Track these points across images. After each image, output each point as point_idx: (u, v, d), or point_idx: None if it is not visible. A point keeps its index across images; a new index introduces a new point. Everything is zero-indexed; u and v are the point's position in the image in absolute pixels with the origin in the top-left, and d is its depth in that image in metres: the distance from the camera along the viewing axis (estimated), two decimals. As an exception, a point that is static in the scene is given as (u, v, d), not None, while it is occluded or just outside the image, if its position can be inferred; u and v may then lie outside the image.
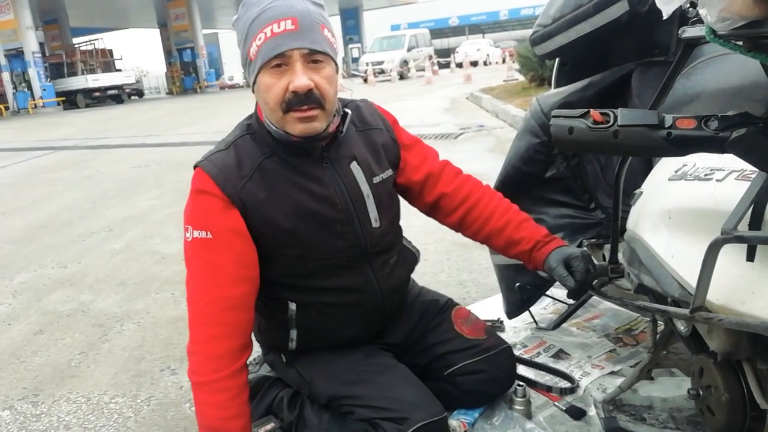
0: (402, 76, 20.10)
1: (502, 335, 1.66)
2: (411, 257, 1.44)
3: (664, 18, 0.89)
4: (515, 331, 1.82)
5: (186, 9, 28.15)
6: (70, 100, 23.61)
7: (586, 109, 0.90)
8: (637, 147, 0.86)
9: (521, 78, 9.81)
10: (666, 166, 1.09)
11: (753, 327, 0.82)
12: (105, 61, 27.13)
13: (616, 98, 1.46)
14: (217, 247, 1.15)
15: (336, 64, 1.16)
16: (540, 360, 1.63)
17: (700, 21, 0.97)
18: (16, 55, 23.31)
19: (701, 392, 1.10)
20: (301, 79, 1.08)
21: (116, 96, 24.72)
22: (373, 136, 1.30)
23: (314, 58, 1.10)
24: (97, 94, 24.06)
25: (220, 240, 1.15)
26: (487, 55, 26.55)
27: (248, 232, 1.17)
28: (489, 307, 1.98)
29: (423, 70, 17.93)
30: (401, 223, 1.38)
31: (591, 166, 1.57)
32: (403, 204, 1.39)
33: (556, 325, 1.80)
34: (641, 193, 1.16)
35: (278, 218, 1.18)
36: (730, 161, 0.88)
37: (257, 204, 1.16)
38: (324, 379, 1.29)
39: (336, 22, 35.14)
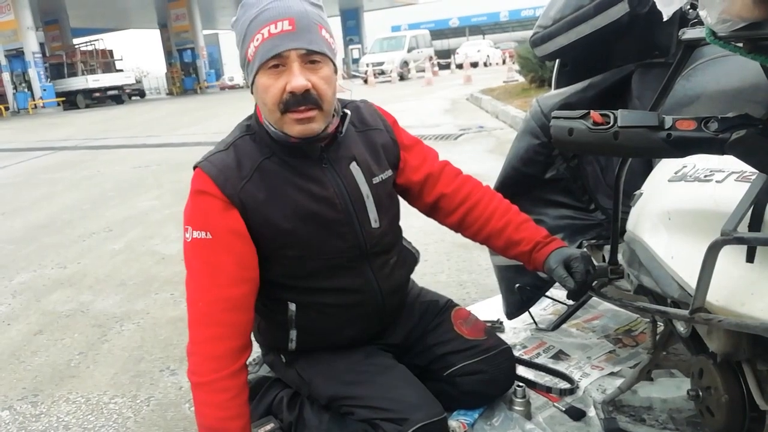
0: (402, 77, 20.11)
1: (502, 336, 1.66)
2: (411, 258, 1.44)
3: (665, 19, 0.89)
4: (515, 331, 1.82)
5: (186, 9, 28.16)
6: (71, 101, 23.61)
7: (586, 111, 0.90)
8: (637, 148, 0.86)
9: (521, 79, 9.81)
10: (666, 167, 1.09)
11: (753, 328, 0.82)
12: (105, 61, 27.13)
13: (616, 99, 1.46)
14: (216, 248, 1.15)
15: (334, 64, 1.16)
16: (540, 361, 1.63)
17: (701, 23, 0.97)
18: (16, 56, 23.33)
19: (701, 393, 1.10)
20: (298, 79, 1.08)
21: (116, 96, 24.73)
22: (373, 137, 1.30)
23: (312, 58, 1.10)
24: (98, 94, 24.07)
25: (220, 240, 1.15)
26: (488, 56, 26.57)
27: (248, 233, 1.17)
28: (489, 307, 1.98)
29: (423, 71, 17.95)
30: (401, 223, 1.38)
31: (591, 167, 1.57)
32: (403, 204, 1.40)
33: (556, 325, 1.80)
34: (641, 194, 1.16)
35: (278, 219, 1.18)
36: (730, 163, 0.88)
37: (257, 205, 1.17)
38: (324, 380, 1.29)
39: (336, 23, 35.19)
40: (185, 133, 9.39)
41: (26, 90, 23.12)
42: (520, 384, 1.40)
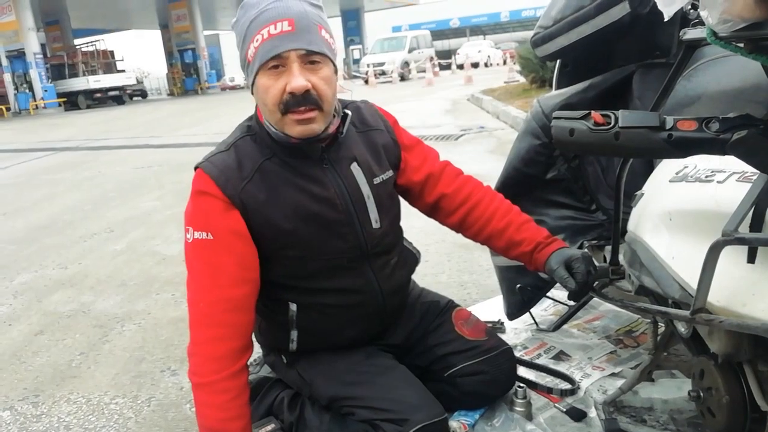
0: (403, 78, 20.11)
1: (503, 336, 1.66)
2: (411, 258, 1.44)
3: (666, 20, 0.89)
4: (516, 332, 1.82)
5: (187, 10, 28.19)
6: (72, 101, 23.65)
7: (587, 111, 0.90)
8: (638, 149, 0.86)
9: (522, 79, 9.81)
10: (667, 167, 1.09)
11: (754, 329, 0.82)
12: (106, 62, 27.17)
13: (617, 100, 1.46)
14: (217, 249, 1.15)
15: (334, 65, 1.16)
16: (540, 361, 1.63)
17: (702, 23, 0.97)
18: (17, 56, 23.38)
19: (702, 394, 1.10)
20: (297, 80, 1.08)
21: (117, 97, 24.76)
22: (374, 137, 1.30)
23: (311, 59, 1.10)
24: (99, 95, 24.11)
25: (221, 241, 1.15)
26: (488, 56, 26.56)
27: (249, 234, 1.17)
28: (490, 308, 1.98)
29: (424, 71, 17.95)
30: (402, 224, 1.38)
31: (592, 168, 1.57)
32: (404, 205, 1.40)
33: (557, 326, 1.80)
34: (642, 194, 1.16)
35: (279, 219, 1.18)
36: (731, 163, 0.88)
37: (258, 205, 1.17)
38: (324, 380, 1.29)
39: (337, 24, 35.22)
40: (186, 133, 9.40)
41: (27, 91, 23.16)
42: (521, 385, 1.40)
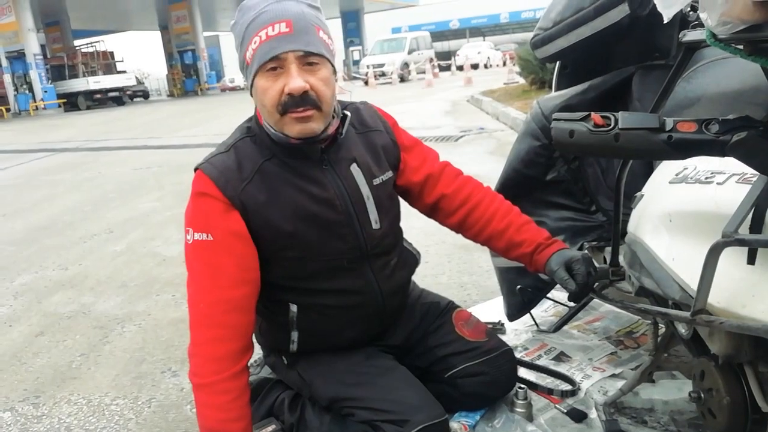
0: (403, 79, 20.12)
1: (503, 338, 1.66)
2: (411, 259, 1.44)
3: (665, 22, 0.89)
4: (516, 333, 1.82)
5: (187, 11, 28.20)
6: (71, 102, 23.66)
7: (587, 113, 0.90)
8: (638, 150, 0.86)
9: (522, 81, 9.82)
10: (667, 169, 1.09)
11: (754, 330, 0.82)
12: (106, 63, 27.20)
13: (616, 101, 1.46)
14: (217, 250, 1.15)
15: (333, 65, 1.16)
16: (541, 362, 1.63)
17: (701, 25, 0.97)
18: (17, 57, 23.38)
19: (702, 395, 1.10)
20: (295, 81, 1.08)
21: (117, 98, 24.77)
22: (373, 138, 1.30)
23: (309, 60, 1.10)
24: (98, 96, 24.12)
25: (221, 242, 1.15)
26: (488, 57, 26.56)
27: (249, 235, 1.17)
28: (490, 309, 1.98)
29: (424, 72, 17.95)
30: (401, 224, 1.39)
31: (592, 169, 1.57)
32: (404, 206, 1.40)
33: (557, 327, 1.80)
34: (642, 196, 1.17)
35: (278, 220, 1.18)
36: (731, 164, 0.88)
37: (257, 206, 1.17)
38: (325, 381, 1.29)
39: (337, 25, 35.25)
40: (186, 134, 9.40)
41: (27, 91, 23.16)
42: (522, 386, 1.41)
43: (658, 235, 1.04)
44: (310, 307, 1.26)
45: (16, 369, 2.01)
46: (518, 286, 1.63)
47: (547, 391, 1.47)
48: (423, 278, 1.61)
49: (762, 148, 0.76)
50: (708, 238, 0.84)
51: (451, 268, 2.53)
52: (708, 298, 0.87)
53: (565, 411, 1.40)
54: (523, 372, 1.55)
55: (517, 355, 1.62)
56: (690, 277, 0.93)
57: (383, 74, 20.20)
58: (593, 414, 1.39)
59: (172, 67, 30.79)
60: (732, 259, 0.85)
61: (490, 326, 1.74)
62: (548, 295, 1.73)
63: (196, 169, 1.20)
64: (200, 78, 29.57)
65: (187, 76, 29.96)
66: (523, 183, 1.57)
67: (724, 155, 0.79)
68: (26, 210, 4.76)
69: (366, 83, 18.40)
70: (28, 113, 22.33)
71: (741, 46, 0.78)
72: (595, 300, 1.69)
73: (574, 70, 1.63)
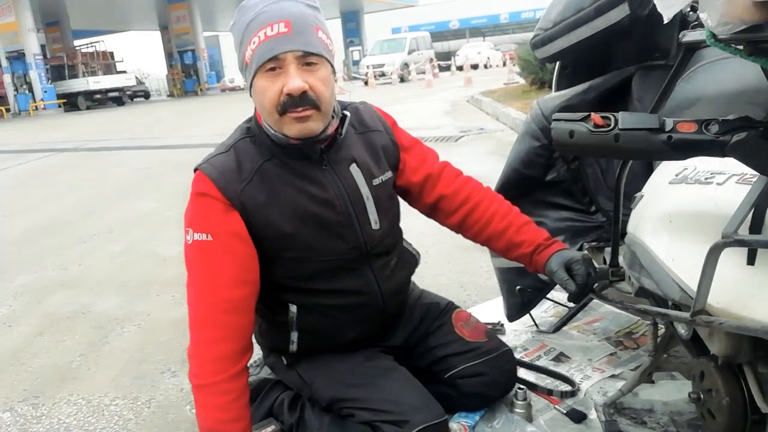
0: (403, 79, 20.13)
1: (503, 338, 1.66)
2: (411, 259, 1.44)
3: (665, 22, 0.89)
4: (516, 334, 1.82)
5: (187, 11, 28.22)
6: (71, 102, 23.68)
7: (587, 113, 0.90)
8: (638, 150, 0.86)
9: (522, 81, 9.82)
10: (667, 169, 1.09)
11: (754, 330, 0.82)
12: (106, 63, 27.20)
13: (616, 102, 1.46)
14: (217, 250, 1.15)
15: (332, 65, 1.16)
16: (540, 363, 1.63)
17: (701, 25, 0.97)
18: (17, 57, 23.40)
19: (702, 396, 1.10)
20: (294, 81, 1.08)
21: (117, 98, 24.78)
22: (373, 138, 1.30)
23: (308, 60, 1.10)
24: (98, 96, 24.12)
25: (221, 242, 1.15)
26: (488, 58, 26.56)
27: (249, 235, 1.17)
28: (489, 310, 1.98)
29: (423, 72, 17.96)
30: (401, 225, 1.38)
31: (592, 170, 1.57)
32: (404, 206, 1.40)
33: (557, 328, 1.80)
34: (642, 196, 1.16)
35: (278, 221, 1.18)
36: (731, 165, 0.88)
37: (257, 207, 1.17)
38: (324, 382, 1.29)
39: (337, 25, 35.26)
40: (186, 134, 9.40)
41: (27, 92, 23.18)
42: (521, 386, 1.40)
43: (657, 235, 1.04)
44: (310, 308, 1.26)
45: (15, 369, 2.01)
46: (518, 287, 1.63)
47: (547, 392, 1.47)
48: (423, 279, 1.61)
49: (762, 148, 0.76)
50: (708, 238, 0.84)
51: (450, 268, 2.53)
52: (708, 298, 0.87)
53: (565, 412, 1.40)
54: (522, 372, 1.55)
55: (517, 355, 1.62)
56: (690, 277, 0.93)
57: (383, 74, 20.21)
58: (593, 415, 1.39)
59: (172, 67, 30.81)
60: (732, 260, 0.85)
61: (490, 327, 1.73)
62: (548, 295, 1.73)
63: (195, 170, 1.20)
64: (200, 78, 29.59)
65: (187, 77, 29.97)
66: (523, 183, 1.57)
67: (723, 155, 0.79)
68: (26, 210, 4.76)
69: (366, 83, 18.40)
70: (28, 113, 22.34)
71: (741, 47, 0.78)
72: (595, 300, 1.69)
73: (574, 70, 1.63)
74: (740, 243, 0.80)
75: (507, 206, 1.36)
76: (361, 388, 1.24)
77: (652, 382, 1.44)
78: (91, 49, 27.20)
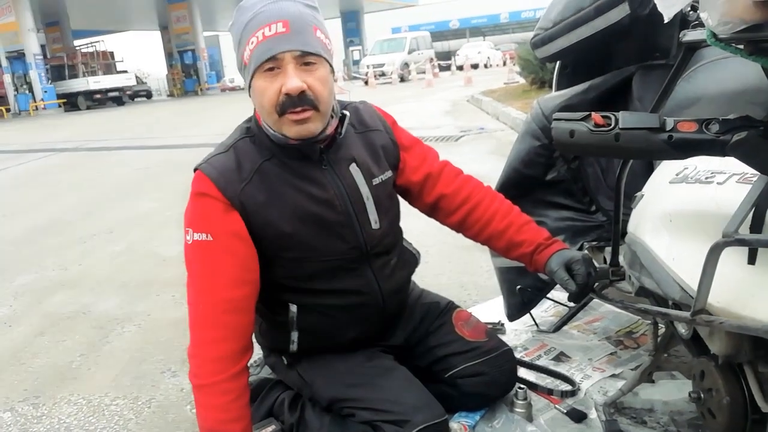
0: (403, 79, 20.12)
1: (503, 338, 1.66)
2: (411, 259, 1.44)
3: (666, 21, 0.89)
4: (516, 333, 1.82)
5: (187, 11, 28.21)
6: (71, 102, 23.68)
7: (588, 112, 0.90)
8: (639, 150, 0.86)
9: (522, 81, 9.82)
10: (667, 169, 1.09)
11: (754, 330, 0.82)
12: (106, 63, 27.21)
13: (617, 101, 1.46)
14: (217, 250, 1.15)
15: (330, 65, 1.16)
16: (541, 363, 1.63)
17: (701, 24, 0.97)
18: (17, 57, 23.41)
19: (702, 395, 1.10)
20: (292, 81, 1.08)
21: (117, 98, 24.78)
22: (373, 138, 1.30)
23: (306, 60, 1.10)
24: (98, 96, 24.13)
25: (221, 242, 1.15)
26: (488, 57, 26.56)
27: (249, 235, 1.17)
28: (490, 309, 1.98)
29: (424, 72, 17.96)
30: (402, 225, 1.38)
31: (592, 169, 1.57)
32: (404, 206, 1.40)
33: (557, 327, 1.80)
34: (642, 195, 1.16)
35: (278, 221, 1.18)
36: (731, 164, 0.88)
37: (257, 207, 1.17)
38: (325, 382, 1.29)
39: (337, 25, 35.26)
40: (186, 134, 9.40)
41: (27, 92, 23.19)
42: (522, 386, 1.40)
43: (658, 235, 1.04)
44: (310, 307, 1.26)
45: (15, 369, 2.01)
46: (518, 287, 1.63)
47: (547, 392, 1.47)
48: (423, 278, 1.61)
49: (762, 147, 0.76)
50: (708, 238, 0.84)
51: (451, 268, 2.53)
52: (708, 298, 0.87)
53: (565, 411, 1.40)
54: (522, 372, 1.55)
55: (517, 355, 1.62)
56: (690, 277, 0.93)
57: (383, 74, 20.21)
58: (593, 414, 1.39)
59: (172, 67, 30.80)
60: (732, 259, 0.85)
61: (490, 326, 1.73)
62: (548, 295, 1.73)
63: (195, 170, 1.20)
64: (200, 78, 29.59)
65: (187, 76, 29.97)
66: (523, 183, 1.57)
67: (724, 155, 0.79)
68: (26, 210, 4.76)
69: (366, 83, 18.40)
70: (28, 113, 22.34)
71: (741, 46, 0.78)
72: (595, 300, 1.69)
73: (574, 69, 1.62)
74: (741, 242, 0.80)
75: (507, 205, 1.36)
76: (361, 388, 1.24)
77: (653, 381, 1.44)
78: (91, 49, 27.20)
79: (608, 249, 1.40)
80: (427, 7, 41.81)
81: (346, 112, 1.25)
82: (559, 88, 1.64)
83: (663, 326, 1.32)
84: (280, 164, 1.19)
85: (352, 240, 1.23)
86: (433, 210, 1.40)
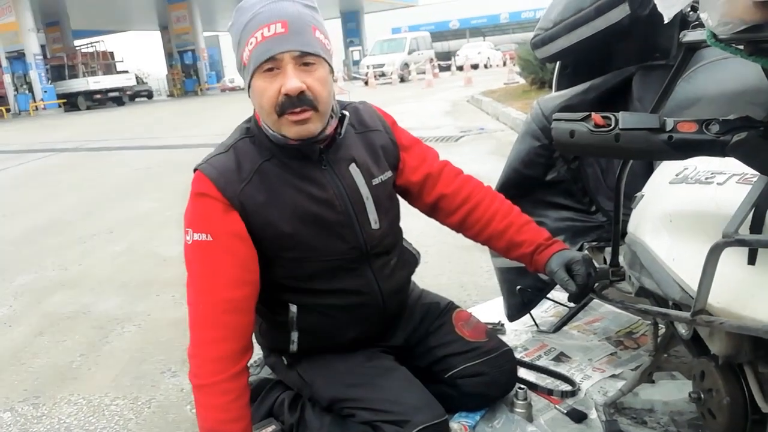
0: (403, 79, 20.13)
1: (503, 338, 1.66)
2: (411, 259, 1.44)
3: (666, 22, 0.89)
4: (516, 333, 1.82)
5: (187, 11, 28.22)
6: (71, 102, 23.68)
7: (588, 113, 0.90)
8: (639, 150, 0.86)
9: (522, 81, 9.82)
10: (667, 169, 1.09)
11: (754, 330, 0.82)
12: (106, 63, 27.20)
13: (617, 102, 1.46)
14: (217, 250, 1.15)
15: (330, 65, 1.16)
16: (541, 363, 1.63)
17: (701, 25, 0.97)
18: (17, 57, 23.41)
19: (702, 395, 1.10)
20: (292, 81, 1.08)
21: (117, 98, 24.78)
22: (372, 138, 1.30)
23: (305, 60, 1.10)
24: (98, 96, 24.13)
25: (221, 243, 1.15)
26: (488, 58, 26.55)
27: (248, 235, 1.17)
28: (490, 309, 1.98)
29: (424, 72, 17.95)
30: (402, 225, 1.38)
31: (592, 169, 1.57)
32: (404, 206, 1.40)
33: (557, 328, 1.80)
34: (642, 196, 1.16)
35: (278, 221, 1.18)
36: (731, 165, 0.88)
37: (257, 207, 1.17)
38: (325, 382, 1.29)
39: (337, 25, 35.26)
40: (186, 134, 9.40)
41: (27, 92, 23.19)
42: (522, 386, 1.40)
43: (658, 235, 1.04)
44: (310, 307, 1.26)
45: (15, 369, 2.01)
46: (518, 287, 1.63)
47: (547, 392, 1.47)
48: (423, 278, 1.61)
49: (762, 148, 0.76)
50: (708, 238, 0.84)
51: (451, 268, 2.53)
52: (708, 298, 0.87)
53: (565, 411, 1.40)
54: (523, 372, 1.55)
55: (517, 355, 1.62)
56: (690, 277, 0.93)
57: (383, 74, 20.21)
58: (593, 414, 1.39)
59: (172, 67, 30.81)
60: (732, 260, 0.85)
61: (490, 326, 1.73)
62: (548, 295, 1.73)
63: (195, 170, 1.20)
64: (200, 78, 29.59)
65: (187, 76, 29.98)
66: (523, 183, 1.57)
67: (724, 155, 0.79)
68: (26, 210, 4.76)
69: (366, 83, 18.40)
70: (28, 113, 22.34)
71: (741, 47, 0.78)
72: (595, 300, 1.69)
73: (574, 70, 1.63)
74: (741, 243, 0.80)
75: (508, 206, 1.36)
76: (361, 388, 1.24)
77: (653, 381, 1.44)
78: (91, 49, 27.20)
79: (608, 249, 1.40)
80: (427, 8, 41.81)
81: (346, 113, 1.25)
82: (559, 89, 1.64)
83: (663, 326, 1.32)
84: (280, 164, 1.20)
85: (352, 240, 1.23)
86: (433, 210, 1.40)
